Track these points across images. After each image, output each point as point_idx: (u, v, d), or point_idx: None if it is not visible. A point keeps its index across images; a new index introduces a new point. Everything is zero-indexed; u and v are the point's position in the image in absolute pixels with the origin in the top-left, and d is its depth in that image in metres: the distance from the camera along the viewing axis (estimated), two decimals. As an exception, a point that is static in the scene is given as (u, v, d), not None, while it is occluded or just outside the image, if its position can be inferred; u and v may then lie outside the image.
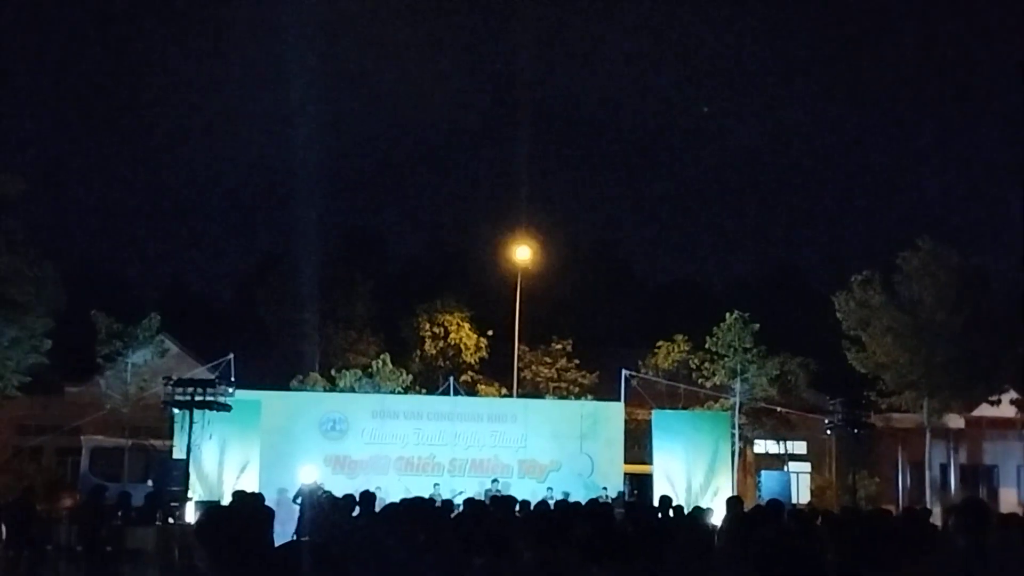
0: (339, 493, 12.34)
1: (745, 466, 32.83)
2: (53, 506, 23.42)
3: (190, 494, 21.86)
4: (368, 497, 11.04)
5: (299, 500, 20.70)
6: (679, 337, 34.87)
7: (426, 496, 13.51)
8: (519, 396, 33.89)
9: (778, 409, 32.39)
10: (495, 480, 24.00)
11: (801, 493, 33.06)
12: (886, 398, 32.01)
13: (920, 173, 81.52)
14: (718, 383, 32.14)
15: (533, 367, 37.56)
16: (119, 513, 18.13)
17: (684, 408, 30.95)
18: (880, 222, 68.47)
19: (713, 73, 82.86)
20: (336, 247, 46.04)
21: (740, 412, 31.04)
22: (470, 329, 39.28)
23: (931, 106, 77.45)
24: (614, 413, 26.89)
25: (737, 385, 31.25)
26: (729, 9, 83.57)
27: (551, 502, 14.78)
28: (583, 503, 12.48)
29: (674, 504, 13.89)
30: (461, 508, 11.28)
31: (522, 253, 36.48)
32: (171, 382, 22.79)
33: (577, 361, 38.01)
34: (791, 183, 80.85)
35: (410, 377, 33.74)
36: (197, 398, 21.96)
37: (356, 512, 10.74)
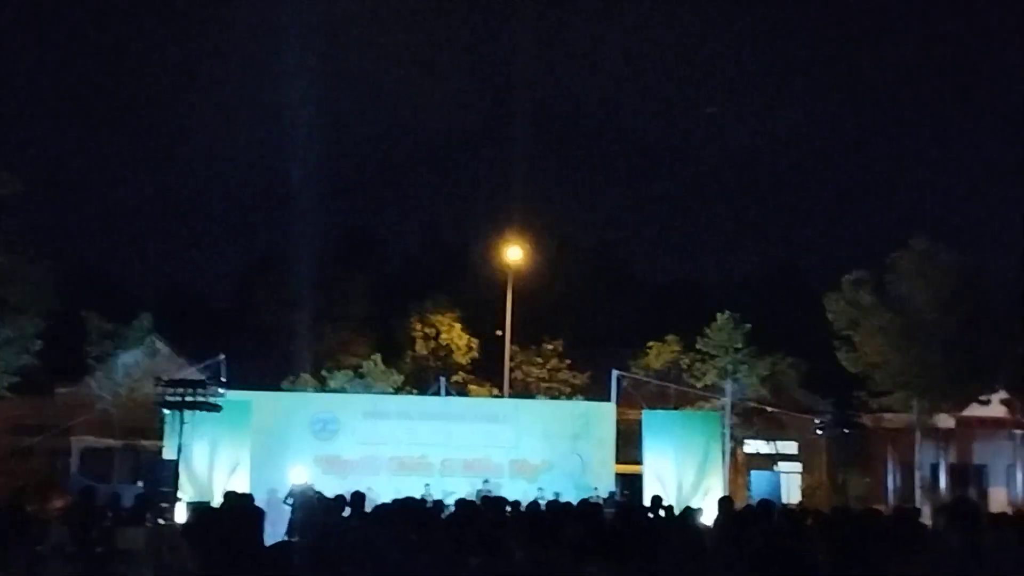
0: (330, 494, 12.35)
1: (736, 466, 32.85)
2: (43, 507, 23.33)
3: (180, 495, 21.81)
4: (359, 498, 11.02)
5: (290, 501, 20.70)
6: (670, 338, 34.92)
7: (417, 497, 13.49)
8: (510, 396, 33.89)
9: (769, 409, 32.43)
10: (486, 481, 23.98)
11: (792, 493, 33.10)
12: (877, 398, 32.02)
13: (918, 172, 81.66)
14: (709, 383, 32.18)
15: (524, 367, 37.56)
16: (109, 514, 18.07)
17: (675, 408, 30.98)
18: (878, 222, 68.62)
19: (709, 72, 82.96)
20: (330, 247, 46.07)
21: (731, 412, 31.07)
22: (461, 330, 39.28)
23: (929, 105, 77.58)
24: (605, 413, 26.90)
25: (728, 385, 31.29)
26: (724, 8, 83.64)
27: (542, 502, 14.79)
28: (574, 504, 12.47)
29: (665, 504, 13.90)
30: (452, 509, 11.28)
31: (514, 253, 36.46)
32: (162, 383, 22.76)
33: (568, 361, 38.01)
34: (788, 182, 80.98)
35: (401, 377, 33.74)
36: (188, 399, 21.93)
37: (347, 513, 10.73)
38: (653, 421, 26.46)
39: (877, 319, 31.31)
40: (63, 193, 64.43)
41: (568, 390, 36.74)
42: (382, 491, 20.35)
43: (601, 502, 20.69)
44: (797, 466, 36.21)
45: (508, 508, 12.44)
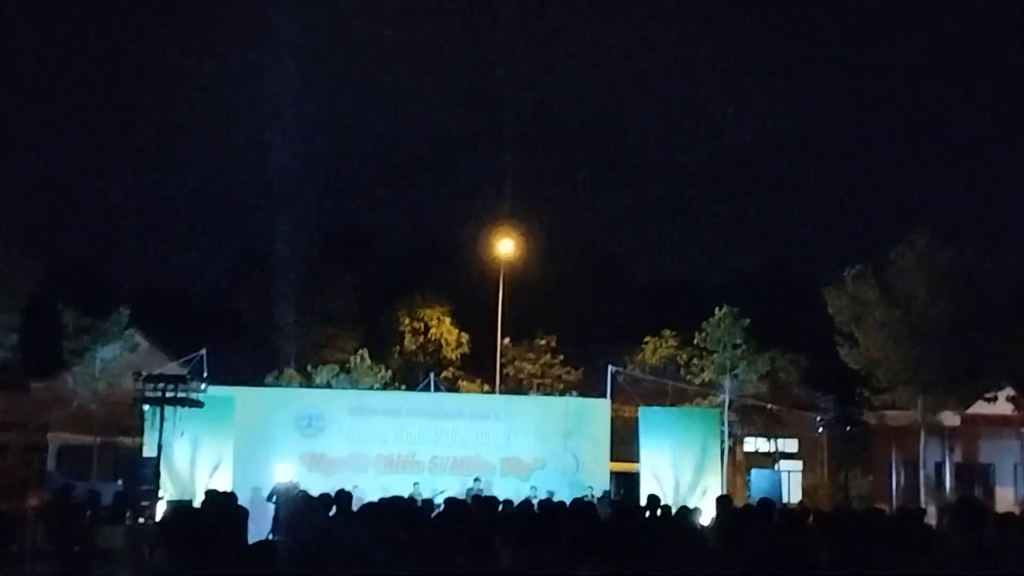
0: (315, 492, 12.30)
1: (735, 465, 32.93)
2: (19, 505, 23.28)
3: (161, 493, 21.75)
4: (345, 496, 10.99)
5: (274, 499, 20.66)
6: (667, 332, 34.96)
7: (406, 495, 13.48)
8: (502, 393, 33.91)
9: (769, 406, 32.47)
10: (477, 479, 23.96)
11: (792, 492, 33.22)
12: (879, 395, 32.10)
13: (915, 167, 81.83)
14: (707, 380, 32.22)
15: (516, 363, 37.59)
16: (87, 513, 18.03)
17: (672, 405, 31.00)
18: (874, 216, 68.72)
19: (706, 67, 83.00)
20: (316, 240, 46.04)
21: (730, 409, 31.13)
22: (451, 324, 39.29)
23: (929, 101, 77.75)
24: (600, 410, 26.88)
25: (727, 382, 31.33)
26: (722, 5, 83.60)
27: (535, 501, 14.78)
28: (568, 503, 12.47)
29: (662, 504, 13.89)
30: (442, 508, 11.26)
31: (505, 246, 36.46)
32: (141, 378, 22.68)
33: (562, 356, 38.06)
34: (783, 176, 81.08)
35: (389, 373, 33.76)
36: (168, 394, 21.83)
37: (333, 512, 10.70)
38: (650, 418, 26.45)
39: (880, 314, 31.37)
40: (40, 186, 64.22)
41: (562, 386, 36.79)
42: (369, 490, 20.31)
43: (596, 501, 20.70)
44: (798, 464, 36.31)
45: (500, 507, 12.41)
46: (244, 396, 25.76)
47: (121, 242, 79.38)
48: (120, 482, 24.26)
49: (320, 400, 27.66)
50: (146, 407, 22.90)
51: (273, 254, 39.64)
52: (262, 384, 31.48)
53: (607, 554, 6.34)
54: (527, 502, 13.24)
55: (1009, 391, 33.78)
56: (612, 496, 24.89)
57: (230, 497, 11.73)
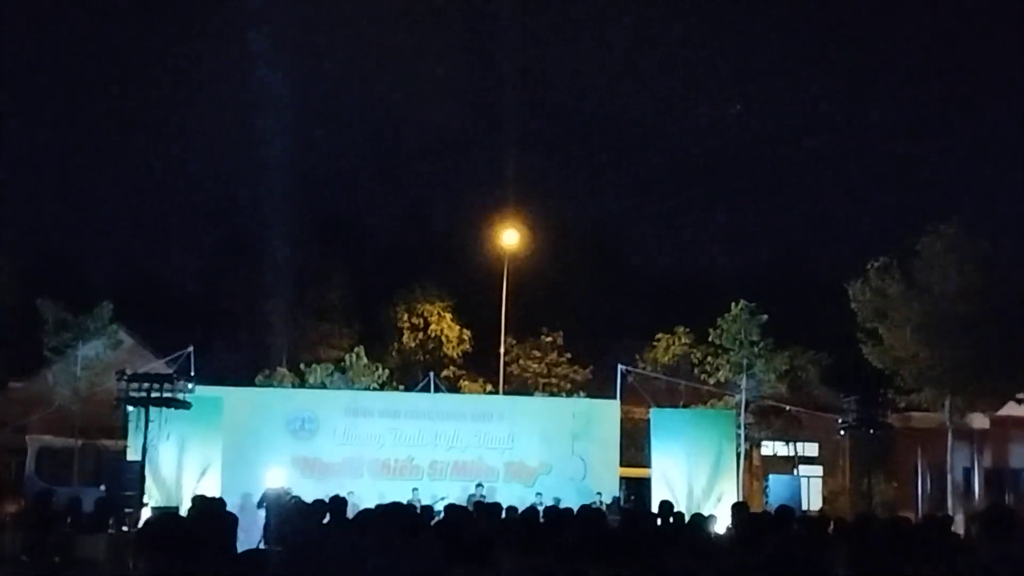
0: (308, 498, 12.35)
1: (751, 469, 32.96)
2: (-5, 511, 23.36)
3: (146, 499, 21.80)
4: (339, 503, 11.00)
5: (264, 505, 20.71)
6: (680, 329, 34.94)
7: (404, 502, 13.50)
8: (505, 393, 33.93)
9: (787, 408, 32.48)
10: (479, 484, 24.02)
11: (812, 499, 33.22)
12: (905, 396, 32.04)
13: (942, 155, 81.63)
14: (722, 379, 32.18)
15: (521, 361, 37.60)
16: (68, 519, 18.06)
17: (685, 406, 31.02)
18: (898, 206, 68.43)
19: (718, 56, 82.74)
20: (309, 231, 45.98)
21: (746, 411, 31.11)
22: (452, 320, 39.29)
23: (954, 85, 77.53)
24: (609, 412, 26.90)
25: (743, 381, 31.30)
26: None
27: (540, 508, 14.80)
28: (575, 509, 12.49)
29: (674, 511, 13.90)
30: (442, 515, 11.28)
31: (509, 237, 36.44)
32: (125, 377, 22.71)
33: (569, 355, 38.06)
34: (802, 165, 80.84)
35: (387, 372, 33.76)
36: (154, 395, 21.87)
37: (326, 519, 10.72)
38: (662, 420, 26.47)
39: (905, 310, 31.31)
40: (18, 176, 64.24)
41: (568, 386, 36.80)
42: (365, 495, 20.40)
43: (604, 508, 20.74)
44: (818, 469, 36.33)
45: (503, 515, 12.43)
46: (233, 396, 25.81)
47: (104, 233, 79.46)
48: (103, 487, 24.26)
49: (313, 401, 27.70)
50: (130, 408, 22.94)
51: (264, 246, 39.66)
52: (252, 384, 31.51)
53: (617, 563, 6.36)
54: (532, 509, 13.23)
55: (1041, 392, 33.75)
56: (622, 502, 24.97)
57: (218, 503, 11.73)
